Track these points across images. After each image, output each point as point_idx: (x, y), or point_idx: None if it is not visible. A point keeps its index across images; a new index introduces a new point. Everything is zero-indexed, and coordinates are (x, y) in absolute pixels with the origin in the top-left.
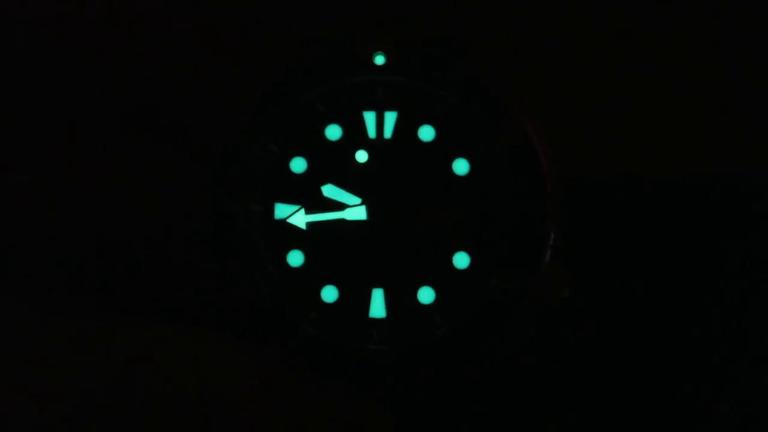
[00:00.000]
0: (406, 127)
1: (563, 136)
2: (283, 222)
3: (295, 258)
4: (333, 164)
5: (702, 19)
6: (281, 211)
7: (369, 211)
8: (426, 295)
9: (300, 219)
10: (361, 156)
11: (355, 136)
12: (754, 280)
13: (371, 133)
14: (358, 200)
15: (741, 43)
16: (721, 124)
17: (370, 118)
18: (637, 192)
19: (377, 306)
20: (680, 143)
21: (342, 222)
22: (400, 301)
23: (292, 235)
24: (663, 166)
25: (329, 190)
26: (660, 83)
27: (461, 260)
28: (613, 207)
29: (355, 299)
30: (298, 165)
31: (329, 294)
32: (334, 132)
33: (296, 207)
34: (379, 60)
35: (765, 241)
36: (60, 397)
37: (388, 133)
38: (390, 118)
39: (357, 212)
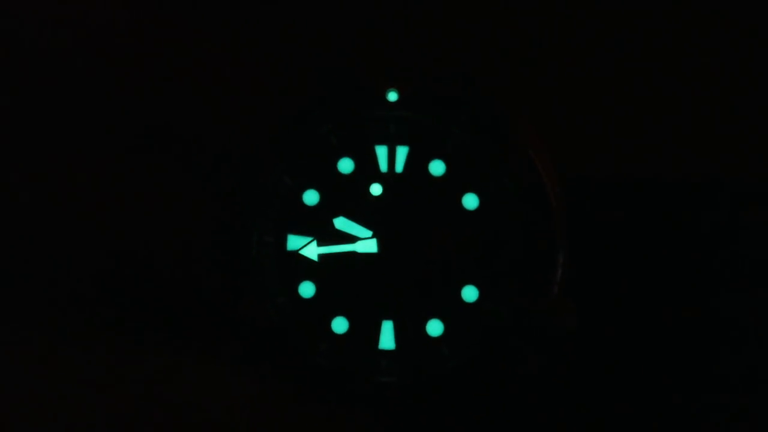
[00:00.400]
0: (417, 162)
1: (574, 170)
2: (296, 253)
3: (307, 289)
4: (345, 197)
5: (703, 20)
6: (294, 242)
7: (380, 244)
8: (435, 327)
9: (312, 251)
10: (376, 189)
11: (367, 169)
12: (755, 282)
13: (383, 167)
14: (369, 233)
15: (741, 44)
16: (722, 124)
17: (382, 152)
18: (646, 206)
19: (387, 338)
20: (684, 147)
21: (353, 254)
22: (409, 333)
23: (304, 267)
24: (671, 174)
25: (341, 223)
26: (669, 95)
27: (470, 293)
28: (619, 224)
29: (365, 331)
30: (311, 197)
31: (340, 325)
32: (346, 165)
33: (309, 239)
34: (392, 96)
35: (766, 242)
36: (64, 407)
37: (399, 167)
38: (401, 152)
39: (368, 245)
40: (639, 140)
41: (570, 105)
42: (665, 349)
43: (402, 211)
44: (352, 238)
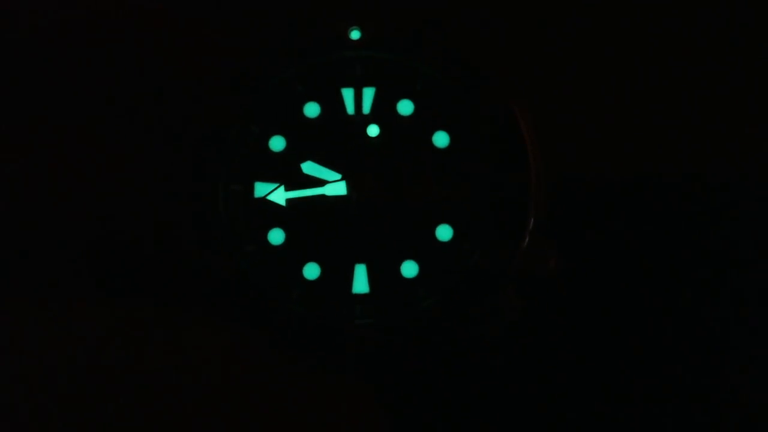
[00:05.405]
0: (384, 102)
1: (546, 108)
2: (264, 200)
3: (276, 236)
4: (312, 141)
5: (699, 16)
6: (261, 189)
7: (349, 186)
8: (409, 269)
9: (280, 196)
10: (373, 130)
11: (333, 112)
12: (749, 279)
13: (350, 109)
14: (338, 176)
15: (739, 43)
16: (718, 122)
17: (348, 94)
18: (622, 176)
19: (360, 281)
20: (670, 136)
21: (322, 198)
22: (383, 275)
23: (272, 214)
24: (645, 153)
25: (309, 167)
26: (653, 77)
27: (444, 233)
28: (599, 192)
29: (337, 276)
30: (278, 143)
31: (311, 271)
32: (312, 109)
33: (276, 185)
34: (355, 35)
35: (761, 240)
36: (49, 379)
37: (366, 108)
38: (368, 93)
39: (337, 188)
40: (636, 139)
41: (552, 77)
42: (650, 323)
43: (371, 152)
44: (320, 182)
